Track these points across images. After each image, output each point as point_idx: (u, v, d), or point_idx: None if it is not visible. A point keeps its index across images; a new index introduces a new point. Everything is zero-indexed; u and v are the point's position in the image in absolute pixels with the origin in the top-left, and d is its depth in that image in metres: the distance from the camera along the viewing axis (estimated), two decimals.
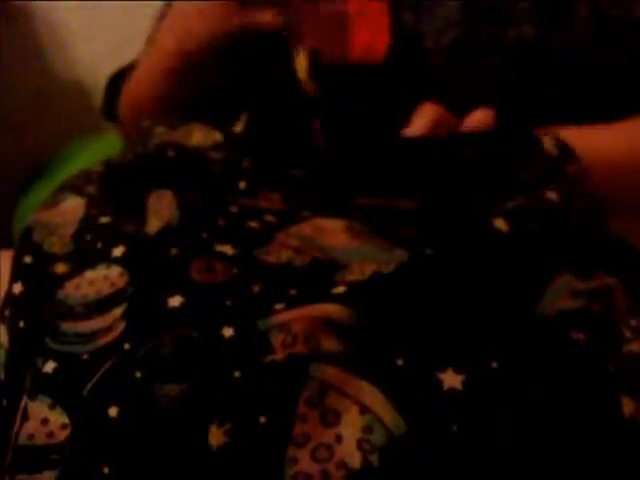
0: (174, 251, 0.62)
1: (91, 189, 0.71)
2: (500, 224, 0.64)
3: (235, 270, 0.61)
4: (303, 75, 0.76)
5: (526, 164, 0.72)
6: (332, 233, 0.65)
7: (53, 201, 0.71)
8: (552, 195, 0.67)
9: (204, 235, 0.64)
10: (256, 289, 0.61)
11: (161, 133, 0.77)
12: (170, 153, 0.74)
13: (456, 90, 0.82)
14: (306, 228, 0.66)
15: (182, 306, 0.59)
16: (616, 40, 0.82)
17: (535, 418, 0.56)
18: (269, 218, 0.68)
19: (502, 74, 0.82)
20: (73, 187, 0.72)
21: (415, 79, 0.83)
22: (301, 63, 0.76)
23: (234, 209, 0.68)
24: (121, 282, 0.61)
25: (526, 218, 0.65)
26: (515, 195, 0.67)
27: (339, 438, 0.53)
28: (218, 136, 0.77)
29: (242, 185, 0.72)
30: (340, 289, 0.60)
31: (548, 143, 0.73)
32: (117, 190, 0.71)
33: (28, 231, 0.68)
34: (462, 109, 0.77)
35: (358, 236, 0.65)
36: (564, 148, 0.72)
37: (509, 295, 0.61)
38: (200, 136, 0.77)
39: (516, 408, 0.55)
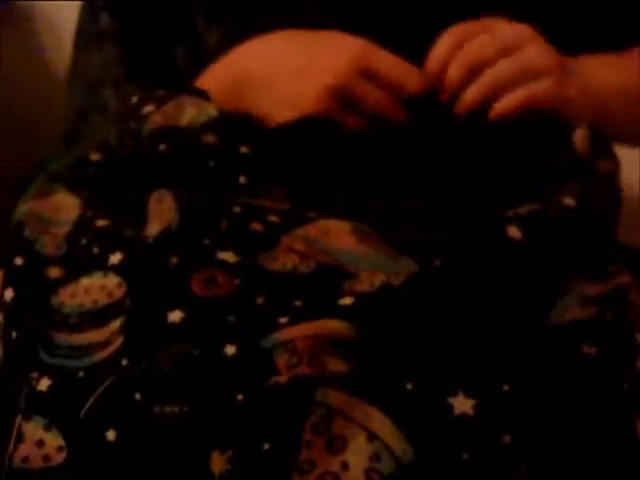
0: (174, 260, 0.60)
1: (86, 187, 0.69)
2: (513, 232, 0.62)
3: (238, 281, 0.59)
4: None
5: (546, 162, 0.70)
6: (338, 235, 0.63)
7: (44, 191, 0.69)
8: (569, 201, 0.65)
9: (205, 242, 0.62)
10: (260, 301, 0.59)
11: (151, 113, 0.74)
12: (162, 147, 0.71)
13: None
14: (312, 230, 0.64)
15: (182, 321, 0.57)
16: None
17: (548, 444, 0.54)
18: (273, 219, 0.65)
19: None
20: (66, 180, 0.70)
21: None
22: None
23: (237, 209, 0.65)
24: (119, 292, 0.59)
25: (540, 225, 0.63)
26: (529, 199, 0.66)
27: (345, 466, 0.52)
28: (212, 110, 0.74)
29: (242, 180, 0.69)
30: (347, 300, 0.58)
31: (579, 136, 0.70)
32: (115, 190, 0.69)
33: (19, 226, 0.66)
34: None
35: (365, 239, 0.63)
36: (598, 142, 0.70)
37: (521, 308, 0.59)
38: (193, 111, 0.73)
39: (528, 434, 0.54)
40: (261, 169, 0.70)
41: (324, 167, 0.72)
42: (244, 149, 0.71)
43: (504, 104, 0.72)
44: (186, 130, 0.72)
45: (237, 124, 0.73)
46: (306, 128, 0.74)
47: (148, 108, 0.74)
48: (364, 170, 0.72)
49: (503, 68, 0.73)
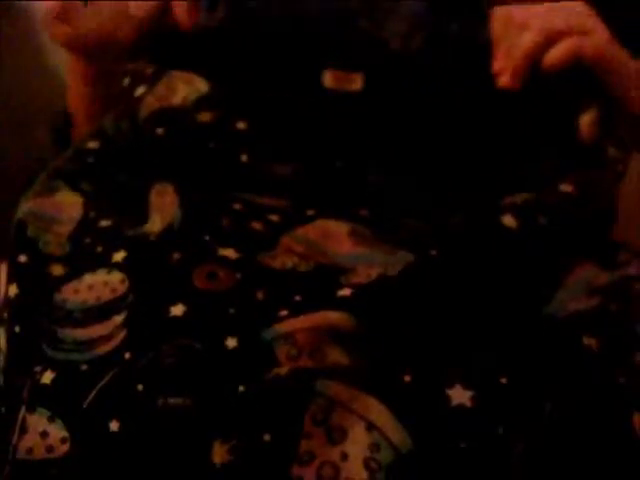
0: (176, 256, 0.61)
1: (87, 179, 0.70)
2: (508, 221, 0.63)
3: (239, 276, 0.60)
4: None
5: (548, 147, 0.70)
6: (337, 238, 0.64)
7: (46, 190, 0.69)
8: (567, 187, 0.65)
9: (207, 238, 0.63)
10: (260, 295, 0.59)
11: (144, 94, 0.74)
12: (160, 131, 0.72)
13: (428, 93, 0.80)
14: (311, 232, 0.65)
15: (185, 315, 0.57)
16: None
17: (545, 435, 0.55)
18: (273, 218, 0.66)
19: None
20: (66, 176, 0.70)
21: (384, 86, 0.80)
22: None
23: (238, 206, 0.66)
24: (122, 288, 0.60)
25: (537, 213, 0.63)
26: (528, 186, 0.66)
27: (345, 456, 0.52)
28: (203, 86, 0.74)
29: (244, 158, 0.70)
30: (345, 291, 0.59)
31: (586, 120, 0.71)
32: (116, 184, 0.70)
33: (22, 225, 0.66)
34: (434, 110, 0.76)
35: (362, 242, 0.64)
36: (607, 126, 0.71)
37: (519, 298, 0.60)
38: (184, 89, 0.74)
39: (525, 425, 0.54)
40: (261, 145, 0.71)
41: (324, 136, 0.72)
42: (241, 125, 0.72)
43: (555, 52, 0.73)
44: (180, 110, 0.73)
45: (230, 97, 0.74)
46: None
47: (140, 89, 0.75)
48: (364, 142, 0.72)
49: (555, 21, 0.74)
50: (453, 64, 0.76)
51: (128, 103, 0.74)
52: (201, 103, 0.72)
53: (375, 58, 0.77)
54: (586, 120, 0.71)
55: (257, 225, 0.65)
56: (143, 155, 0.70)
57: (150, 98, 0.73)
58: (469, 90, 0.74)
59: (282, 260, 0.62)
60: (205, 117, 0.71)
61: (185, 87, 0.74)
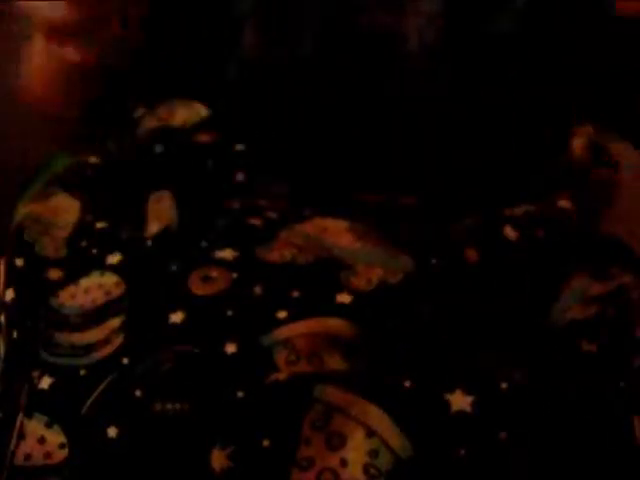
0: (173, 262, 0.61)
1: (85, 188, 0.70)
2: (509, 232, 0.63)
3: (235, 274, 0.60)
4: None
5: (542, 167, 0.70)
6: (335, 232, 0.64)
7: (43, 194, 0.69)
8: (564, 203, 0.65)
9: (203, 244, 0.63)
10: (257, 291, 0.59)
11: (144, 114, 0.75)
12: (159, 148, 0.72)
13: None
14: (309, 227, 0.64)
15: (183, 321, 0.57)
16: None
17: (545, 440, 0.54)
18: (271, 215, 0.66)
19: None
20: (65, 183, 0.70)
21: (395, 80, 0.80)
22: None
23: (235, 205, 0.66)
24: (117, 291, 0.60)
25: (536, 225, 0.64)
26: (523, 201, 0.66)
27: (344, 462, 0.52)
28: (203, 111, 0.75)
29: (240, 177, 0.70)
30: (345, 298, 0.59)
31: (577, 144, 0.71)
32: (114, 193, 0.70)
33: (19, 229, 0.66)
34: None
35: (362, 237, 0.64)
36: (598, 150, 0.71)
37: (519, 306, 0.60)
38: (184, 113, 0.74)
39: (526, 431, 0.54)
40: (258, 165, 0.71)
41: (322, 162, 0.73)
42: (239, 147, 0.72)
43: None
44: (180, 130, 0.73)
45: (230, 123, 0.74)
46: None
47: (140, 111, 0.75)
48: (362, 163, 0.73)
49: None
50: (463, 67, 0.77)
51: (129, 124, 0.75)
52: (201, 126, 0.73)
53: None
54: (577, 143, 0.71)
55: (255, 221, 0.65)
56: (141, 170, 0.70)
57: (150, 118, 0.74)
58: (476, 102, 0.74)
59: (280, 252, 0.62)
60: (204, 138, 0.72)
61: (185, 111, 0.74)
